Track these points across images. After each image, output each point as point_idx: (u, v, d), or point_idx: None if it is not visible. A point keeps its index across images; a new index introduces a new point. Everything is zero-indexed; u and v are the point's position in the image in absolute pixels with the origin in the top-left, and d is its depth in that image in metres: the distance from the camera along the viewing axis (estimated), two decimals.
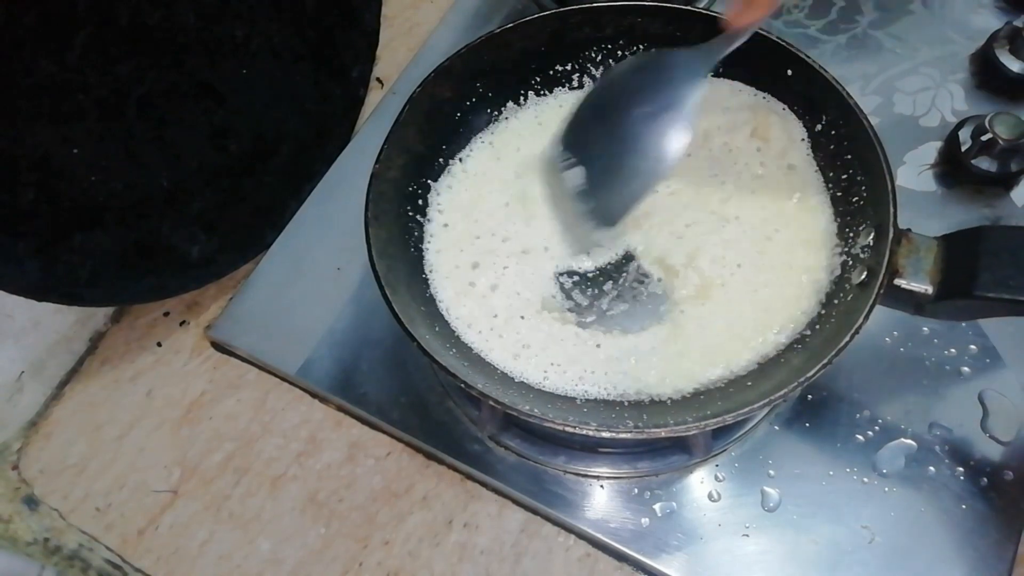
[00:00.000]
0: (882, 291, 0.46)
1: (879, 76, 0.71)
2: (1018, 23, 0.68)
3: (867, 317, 0.46)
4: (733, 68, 0.59)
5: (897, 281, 0.47)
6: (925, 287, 0.47)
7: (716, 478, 0.56)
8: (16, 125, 0.50)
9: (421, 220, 0.58)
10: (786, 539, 0.54)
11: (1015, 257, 0.44)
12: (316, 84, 0.69)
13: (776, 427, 0.57)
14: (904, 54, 0.72)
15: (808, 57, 0.54)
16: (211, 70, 0.60)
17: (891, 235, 0.47)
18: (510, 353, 0.53)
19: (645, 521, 0.55)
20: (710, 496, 0.56)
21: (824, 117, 0.56)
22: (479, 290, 0.56)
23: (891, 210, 0.48)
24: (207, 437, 0.61)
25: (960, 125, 0.66)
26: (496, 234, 0.58)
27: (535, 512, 0.57)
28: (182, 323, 0.67)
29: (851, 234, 0.53)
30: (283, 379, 0.63)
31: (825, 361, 0.45)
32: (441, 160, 0.61)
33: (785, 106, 0.58)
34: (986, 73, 0.70)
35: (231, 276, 0.67)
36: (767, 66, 0.57)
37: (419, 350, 0.48)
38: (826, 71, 0.54)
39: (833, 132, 0.55)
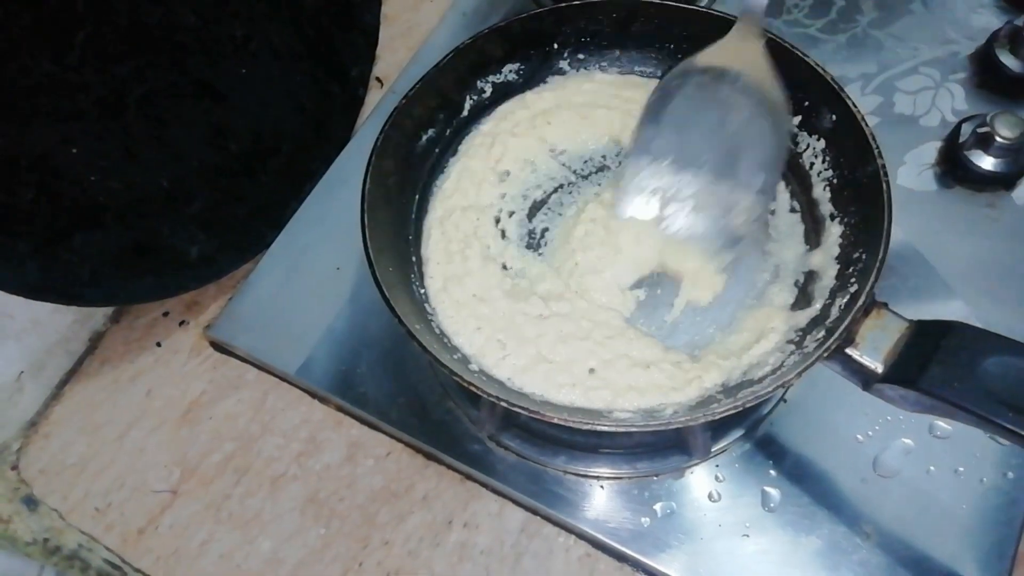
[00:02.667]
0: (825, 356, 0.46)
1: (879, 76, 0.71)
2: (1018, 22, 0.68)
3: (799, 376, 0.46)
4: None
5: (850, 350, 0.46)
6: (876, 364, 0.46)
7: (716, 478, 0.56)
8: (15, 125, 0.50)
9: (429, 178, 0.60)
10: (786, 539, 0.54)
11: (972, 361, 0.43)
12: (315, 83, 0.69)
13: (776, 427, 0.57)
14: (904, 54, 0.72)
15: (855, 106, 0.53)
16: (210, 69, 0.60)
17: (860, 303, 0.47)
18: (476, 332, 0.54)
19: (645, 521, 0.55)
20: (710, 496, 0.56)
21: (846, 170, 0.55)
22: (465, 267, 0.56)
23: (872, 280, 0.48)
24: (207, 437, 0.61)
25: (960, 124, 0.66)
26: (497, 207, 0.59)
27: (535, 512, 0.57)
28: (181, 323, 0.67)
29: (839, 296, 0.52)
30: (283, 379, 0.63)
31: (737, 403, 0.45)
32: (468, 116, 0.62)
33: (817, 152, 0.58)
34: (986, 73, 0.70)
35: (231, 276, 0.67)
36: (811, 106, 0.57)
37: (376, 285, 0.49)
38: (866, 124, 0.52)
39: (852, 183, 0.55)
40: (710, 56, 0.54)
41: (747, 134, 0.54)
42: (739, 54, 0.53)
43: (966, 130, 0.65)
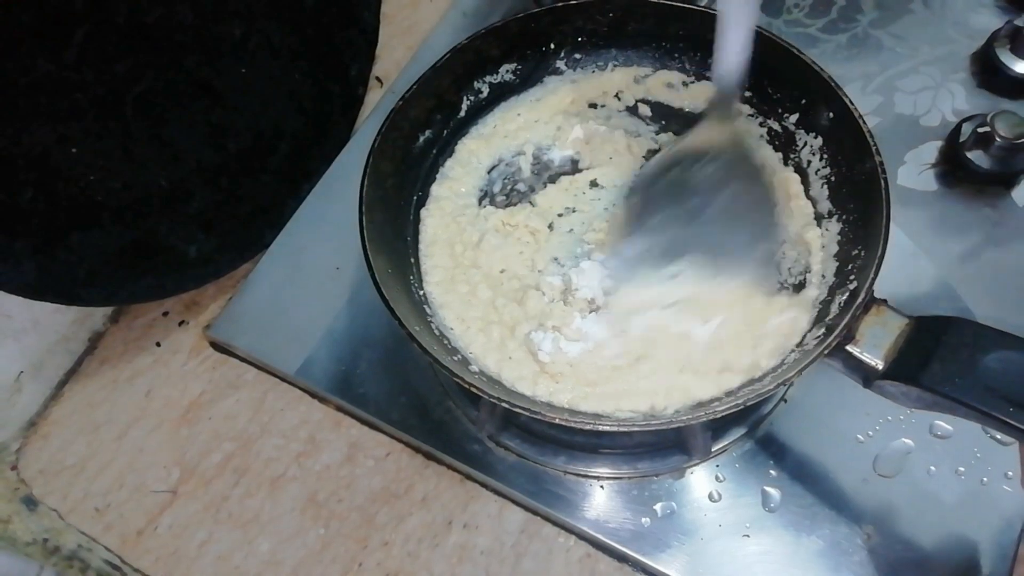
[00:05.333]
0: (825, 353, 0.46)
1: (880, 75, 0.71)
2: (1019, 22, 0.68)
3: (799, 373, 0.46)
4: (771, 99, 0.60)
5: (850, 348, 0.46)
6: (876, 361, 0.46)
7: (717, 478, 0.56)
8: (14, 124, 0.50)
9: (427, 179, 0.60)
10: (787, 539, 0.54)
11: (973, 357, 0.42)
12: (315, 83, 0.69)
13: (777, 427, 0.57)
14: (905, 53, 0.72)
15: (851, 103, 0.53)
16: (209, 68, 0.60)
17: (860, 300, 0.47)
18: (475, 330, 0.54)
19: (645, 521, 0.55)
20: (710, 496, 0.56)
21: (844, 167, 0.55)
22: (462, 263, 0.56)
23: (871, 276, 0.47)
24: (206, 437, 0.61)
25: (961, 124, 0.66)
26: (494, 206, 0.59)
27: (535, 512, 0.57)
28: (181, 323, 0.66)
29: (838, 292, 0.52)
30: (282, 379, 0.63)
31: (738, 401, 0.45)
32: (466, 117, 0.62)
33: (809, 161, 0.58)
34: (987, 72, 0.70)
35: (230, 276, 0.67)
36: (808, 103, 0.57)
37: (371, 278, 0.49)
38: (863, 121, 0.52)
39: (850, 180, 0.55)
40: (685, 144, 0.54)
41: (733, 210, 0.52)
42: (712, 137, 0.52)
43: (966, 130, 0.65)
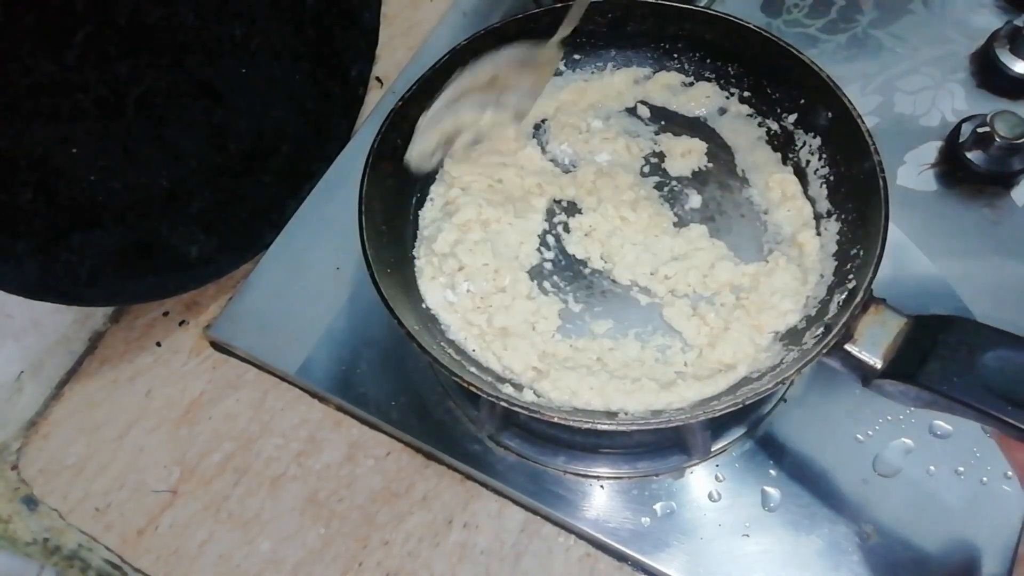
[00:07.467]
0: (824, 352, 0.46)
1: (879, 76, 0.71)
2: (1018, 22, 0.68)
3: (798, 372, 0.46)
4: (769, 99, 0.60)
5: (848, 347, 0.46)
6: (875, 360, 0.46)
7: (716, 478, 0.56)
8: (15, 124, 0.50)
9: (427, 179, 0.60)
10: (786, 539, 0.54)
11: (971, 355, 0.42)
12: (315, 83, 0.69)
13: (776, 427, 0.57)
14: (904, 53, 0.72)
15: (850, 102, 0.53)
16: (210, 69, 0.60)
17: (858, 299, 0.47)
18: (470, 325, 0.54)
19: (645, 521, 0.55)
20: (710, 496, 0.56)
21: (842, 166, 0.56)
22: (458, 261, 0.56)
23: (870, 275, 0.48)
24: (206, 437, 0.61)
25: (960, 124, 0.66)
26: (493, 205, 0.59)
27: (535, 512, 0.57)
28: (181, 323, 0.67)
29: (836, 292, 0.52)
30: (282, 379, 0.63)
31: (737, 400, 0.46)
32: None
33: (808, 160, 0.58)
34: (986, 72, 0.70)
35: (230, 276, 0.67)
36: (807, 103, 0.58)
37: (370, 275, 0.49)
38: (862, 120, 0.52)
39: (848, 180, 0.55)
40: None
41: None
42: None
43: (966, 130, 0.65)
